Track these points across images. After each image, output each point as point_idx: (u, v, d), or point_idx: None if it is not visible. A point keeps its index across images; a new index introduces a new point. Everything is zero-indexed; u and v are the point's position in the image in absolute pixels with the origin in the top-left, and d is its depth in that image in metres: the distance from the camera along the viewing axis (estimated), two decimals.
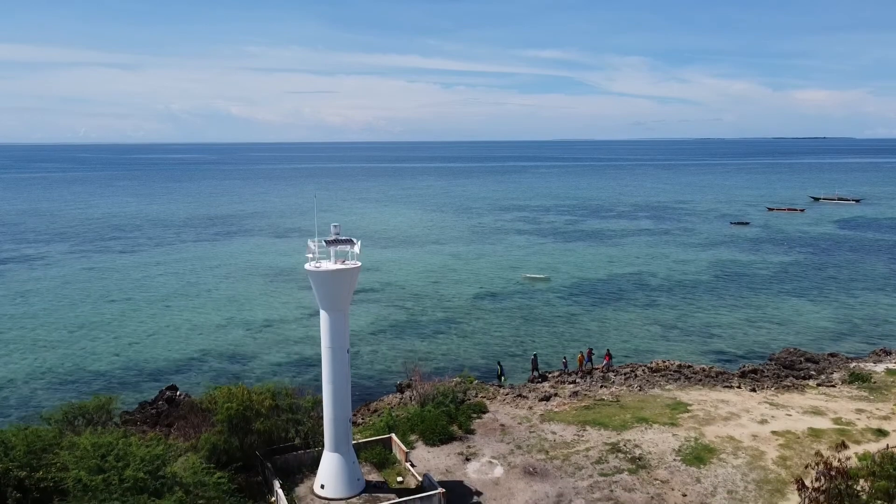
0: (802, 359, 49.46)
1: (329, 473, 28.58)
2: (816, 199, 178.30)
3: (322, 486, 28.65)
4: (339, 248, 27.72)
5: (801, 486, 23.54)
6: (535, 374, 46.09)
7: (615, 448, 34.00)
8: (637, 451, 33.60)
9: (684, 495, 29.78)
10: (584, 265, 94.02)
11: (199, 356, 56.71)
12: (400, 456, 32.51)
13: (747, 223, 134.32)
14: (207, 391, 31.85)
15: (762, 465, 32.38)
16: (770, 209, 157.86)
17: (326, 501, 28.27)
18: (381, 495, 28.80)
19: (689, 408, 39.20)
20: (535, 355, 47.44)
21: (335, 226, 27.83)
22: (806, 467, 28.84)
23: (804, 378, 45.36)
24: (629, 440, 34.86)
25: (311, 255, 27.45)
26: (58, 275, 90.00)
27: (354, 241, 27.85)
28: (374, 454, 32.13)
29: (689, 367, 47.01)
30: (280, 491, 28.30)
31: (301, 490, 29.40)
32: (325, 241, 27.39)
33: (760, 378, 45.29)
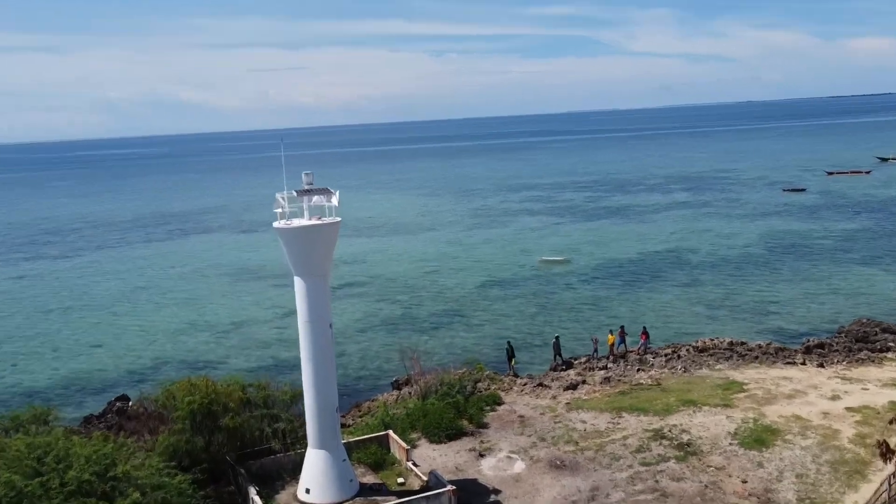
0: (878, 329, 49.13)
1: (315, 474, 28.17)
2: (885, 160, 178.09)
3: (307, 491, 28.25)
4: (315, 200, 27.35)
5: (887, 451, 23.17)
6: (558, 359, 45.72)
7: (658, 434, 33.63)
8: (685, 437, 33.22)
9: (744, 482, 29.41)
10: (610, 245, 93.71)
11: (154, 365, 56.35)
12: (400, 455, 32.12)
13: (803, 189, 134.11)
14: (163, 388, 31.39)
15: (837, 444, 32.01)
16: (830, 173, 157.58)
17: None
18: (379, 499, 28.42)
19: (744, 387, 38.83)
20: (556, 337, 47.06)
21: (307, 174, 27.42)
22: (891, 422, 28.56)
23: (881, 350, 44.99)
24: (675, 425, 34.49)
25: (280, 211, 27.08)
26: None
27: (332, 190, 27.46)
28: (369, 454, 31.73)
29: (743, 344, 46.67)
30: (257, 499, 27.91)
31: (282, 498, 29.01)
32: (296, 191, 26.99)
33: (829, 353, 44.92)
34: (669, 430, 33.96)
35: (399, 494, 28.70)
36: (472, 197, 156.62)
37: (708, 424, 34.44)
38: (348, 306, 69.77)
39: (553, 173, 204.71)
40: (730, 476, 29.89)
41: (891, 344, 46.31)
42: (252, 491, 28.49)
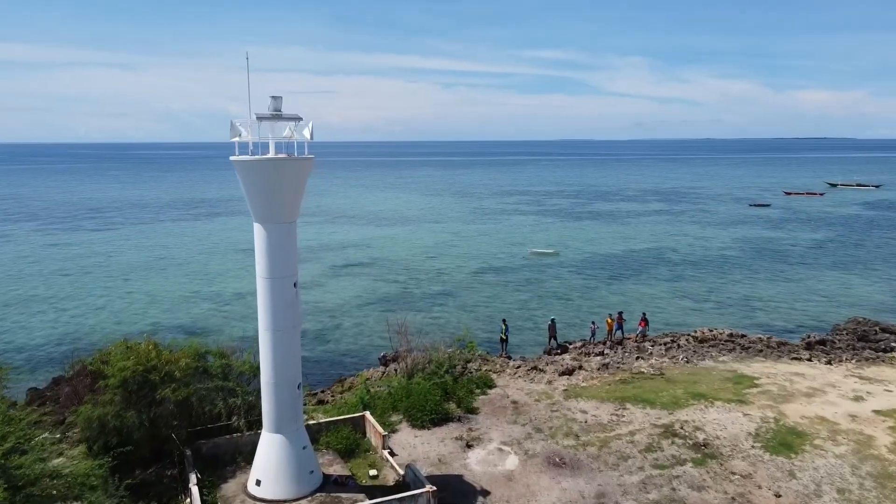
0: (877, 329, 40.46)
1: (268, 464, 19.58)
2: (834, 185, 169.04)
3: (258, 483, 19.67)
4: (283, 127, 18.75)
5: None
6: (553, 343, 37.11)
7: (670, 431, 25.00)
8: (700, 436, 24.59)
9: (778, 496, 20.81)
10: (596, 241, 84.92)
11: (150, 329, 47.43)
12: (376, 441, 23.53)
13: (768, 205, 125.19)
14: (98, 351, 22.75)
15: (875, 453, 23.41)
16: (788, 193, 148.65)
17: None
18: (343, 496, 19.81)
19: (755, 382, 30.19)
20: (552, 320, 38.32)
21: (274, 98, 18.79)
22: None
23: (885, 350, 36.32)
24: (687, 421, 25.86)
25: (238, 140, 18.50)
26: (12, 250, 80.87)
27: (302, 118, 18.85)
28: (340, 438, 23.19)
29: (743, 336, 37.98)
30: (195, 489, 19.32)
31: (230, 488, 20.41)
32: (258, 116, 18.36)
33: (832, 349, 36.28)
34: (681, 427, 25.32)
35: (369, 491, 20.10)
36: (471, 198, 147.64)
37: (723, 422, 25.78)
38: (347, 283, 61.17)
39: (543, 182, 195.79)
40: (759, 487, 21.26)
41: (893, 344, 37.62)
42: (192, 478, 19.88)
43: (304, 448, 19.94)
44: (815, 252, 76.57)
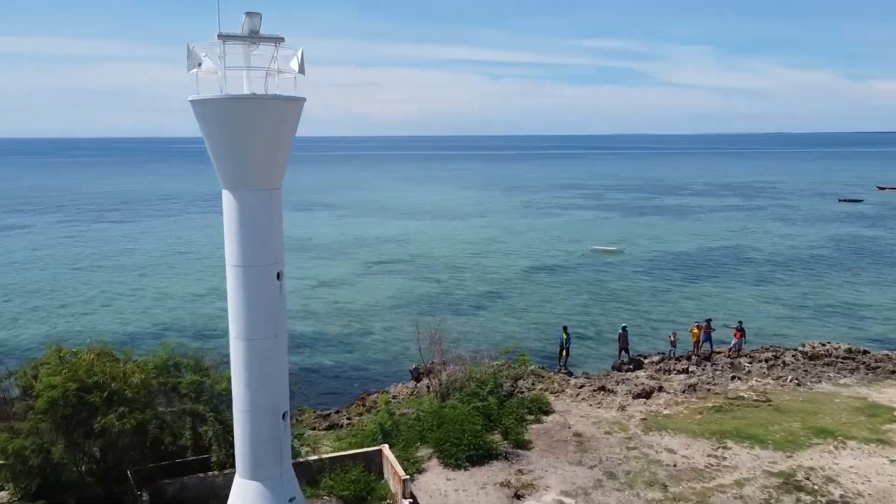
0: None
1: None
2: None
3: None
4: (264, 54, 13.97)
5: None
6: (624, 356, 31.70)
7: (792, 483, 19.40)
8: (835, 492, 18.94)
9: None
10: (665, 238, 78.55)
11: (155, 329, 43.91)
12: (395, 486, 18.66)
13: (860, 200, 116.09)
14: (29, 362, 18.33)
15: None
16: (881, 188, 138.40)
17: None
18: None
19: None
20: (623, 329, 32.77)
21: (250, 15, 13.99)
22: None
23: None
24: (813, 468, 20.21)
25: (199, 72, 13.81)
26: (30, 242, 79.06)
27: (284, 38, 14.02)
28: (348, 482, 18.38)
29: (865, 352, 31.79)
30: None
31: None
32: (223, 36, 13.57)
33: None
34: (807, 478, 19.67)
35: None
36: (521, 192, 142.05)
37: (865, 471, 20.05)
38: (381, 282, 56.69)
39: (600, 176, 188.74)
40: None
41: None
42: None
43: (290, 501, 15.17)
44: None
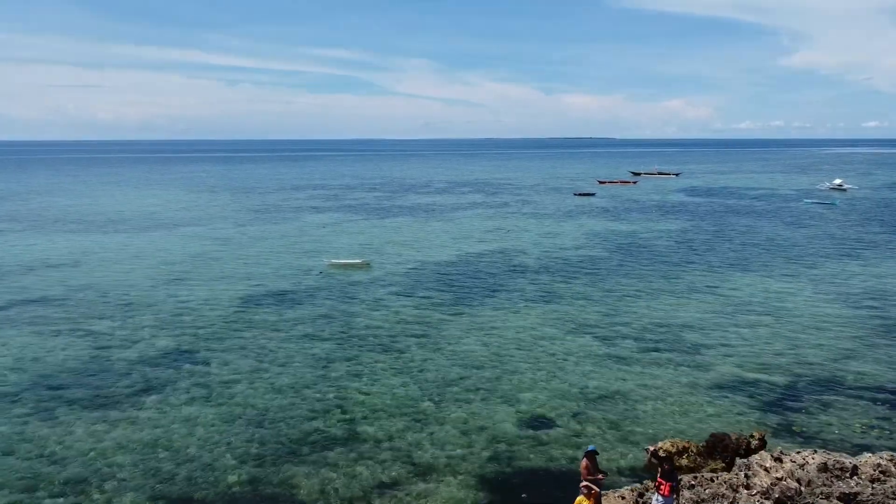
0: None
1: None
2: (637, 174, 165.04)
3: None
4: None
5: None
6: None
7: None
8: None
9: None
10: (416, 244, 62.71)
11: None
12: None
13: (593, 194, 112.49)
14: None
15: None
16: (601, 182, 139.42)
17: None
18: None
19: None
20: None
21: None
22: None
23: None
24: None
25: None
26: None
27: None
28: None
29: None
30: None
31: None
32: None
33: None
34: None
35: None
36: (251, 194, 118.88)
37: None
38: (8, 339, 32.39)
39: (340, 176, 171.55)
40: None
41: None
42: None
43: None
44: (701, 247, 60.81)
